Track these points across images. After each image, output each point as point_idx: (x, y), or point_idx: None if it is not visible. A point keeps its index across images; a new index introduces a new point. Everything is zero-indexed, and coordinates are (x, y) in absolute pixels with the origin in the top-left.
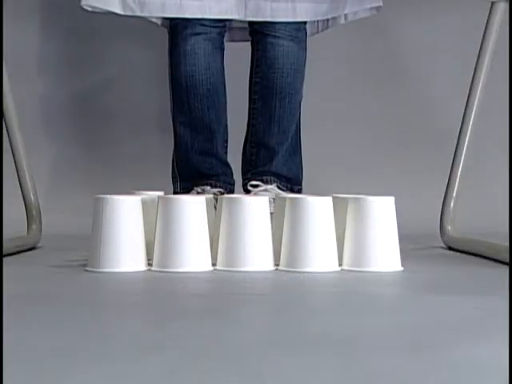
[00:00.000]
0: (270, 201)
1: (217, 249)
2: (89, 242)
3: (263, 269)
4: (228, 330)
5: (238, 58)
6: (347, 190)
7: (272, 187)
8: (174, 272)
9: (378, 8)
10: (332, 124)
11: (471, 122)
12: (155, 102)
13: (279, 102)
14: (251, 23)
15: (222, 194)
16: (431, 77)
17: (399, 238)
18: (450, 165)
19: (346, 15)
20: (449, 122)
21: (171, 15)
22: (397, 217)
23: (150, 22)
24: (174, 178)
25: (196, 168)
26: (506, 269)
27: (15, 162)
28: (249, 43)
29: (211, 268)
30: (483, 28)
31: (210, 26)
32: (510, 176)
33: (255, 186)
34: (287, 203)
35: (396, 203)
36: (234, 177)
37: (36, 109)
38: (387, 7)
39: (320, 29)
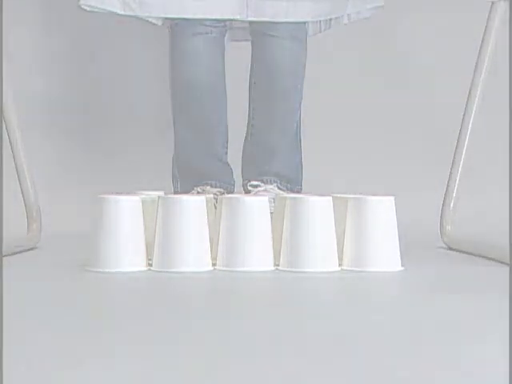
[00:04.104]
0: (269, 201)
1: (217, 249)
2: (89, 242)
3: (263, 269)
4: (228, 330)
5: (238, 58)
6: (347, 189)
7: (272, 187)
8: (173, 272)
9: (380, 7)
10: (332, 124)
11: (471, 122)
12: (155, 102)
13: (279, 102)
14: (252, 23)
15: (222, 193)
16: (431, 77)
17: (399, 238)
18: (450, 165)
19: (349, 15)
20: (449, 122)
21: (172, 15)
22: (397, 217)
23: (150, 23)
24: (174, 177)
25: (196, 168)
26: (506, 269)
27: (15, 162)
28: (249, 43)
29: (211, 268)
30: (483, 28)
31: (211, 26)
32: (509, 176)
33: (255, 186)
34: (287, 203)
35: (396, 203)
36: (234, 177)
37: (36, 109)
38: (388, 8)
39: (323, 28)
